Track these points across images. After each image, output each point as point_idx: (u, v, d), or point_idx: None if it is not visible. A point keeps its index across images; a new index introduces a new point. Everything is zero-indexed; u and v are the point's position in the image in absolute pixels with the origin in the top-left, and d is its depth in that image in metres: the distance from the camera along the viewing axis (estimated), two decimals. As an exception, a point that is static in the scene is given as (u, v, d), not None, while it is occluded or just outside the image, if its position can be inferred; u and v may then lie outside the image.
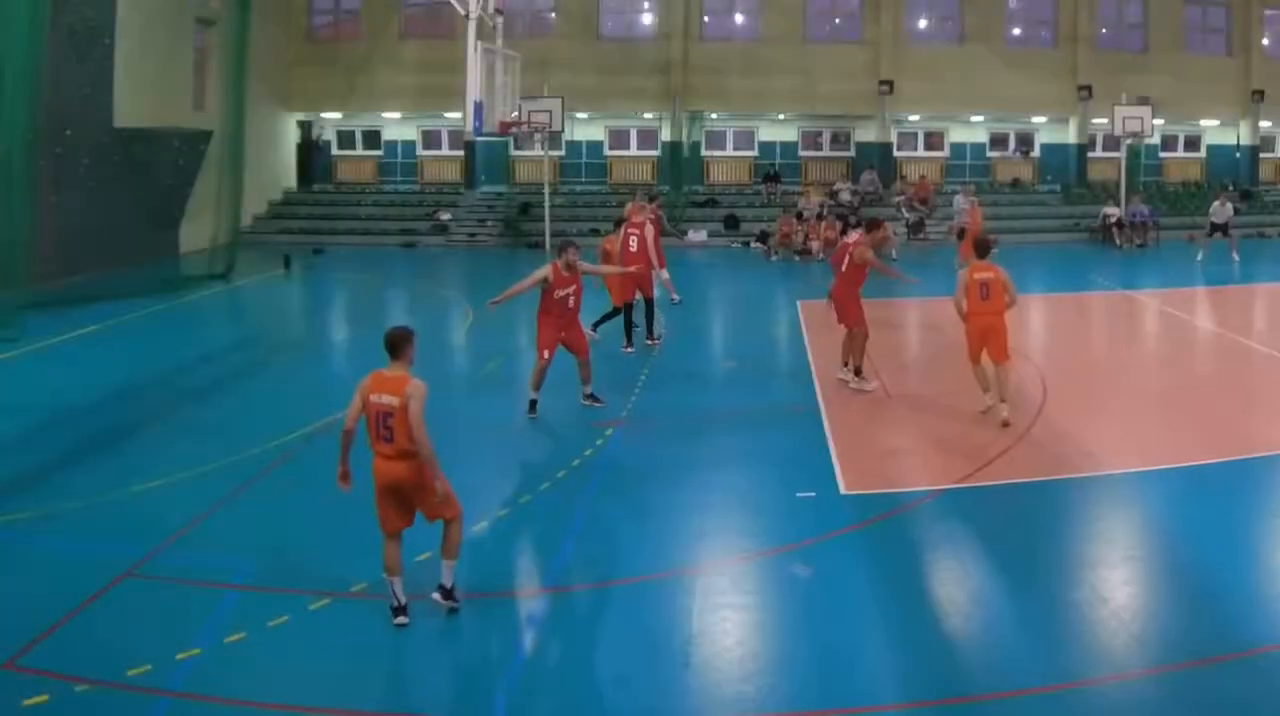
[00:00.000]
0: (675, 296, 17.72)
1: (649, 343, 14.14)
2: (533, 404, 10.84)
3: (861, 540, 7.65)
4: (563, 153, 30.94)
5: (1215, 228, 23.87)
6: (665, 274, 17.16)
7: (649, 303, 14.16)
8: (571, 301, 10.74)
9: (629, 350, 13.70)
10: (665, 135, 30.48)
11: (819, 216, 26.02)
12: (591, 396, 11.18)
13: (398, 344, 6.52)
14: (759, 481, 8.92)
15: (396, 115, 30.99)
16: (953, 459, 9.38)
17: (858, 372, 11.74)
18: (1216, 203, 24.37)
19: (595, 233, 28.15)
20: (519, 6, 29.17)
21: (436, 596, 6.46)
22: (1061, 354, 14.42)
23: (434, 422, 9.68)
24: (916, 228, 28.02)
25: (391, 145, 31.92)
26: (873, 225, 12.60)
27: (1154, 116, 27.65)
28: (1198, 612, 6.42)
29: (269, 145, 28.87)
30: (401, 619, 6.30)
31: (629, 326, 13.87)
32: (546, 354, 10.68)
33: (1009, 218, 29.14)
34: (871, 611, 6.63)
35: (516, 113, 19.99)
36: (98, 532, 7.79)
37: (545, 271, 10.58)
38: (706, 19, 30.54)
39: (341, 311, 20.06)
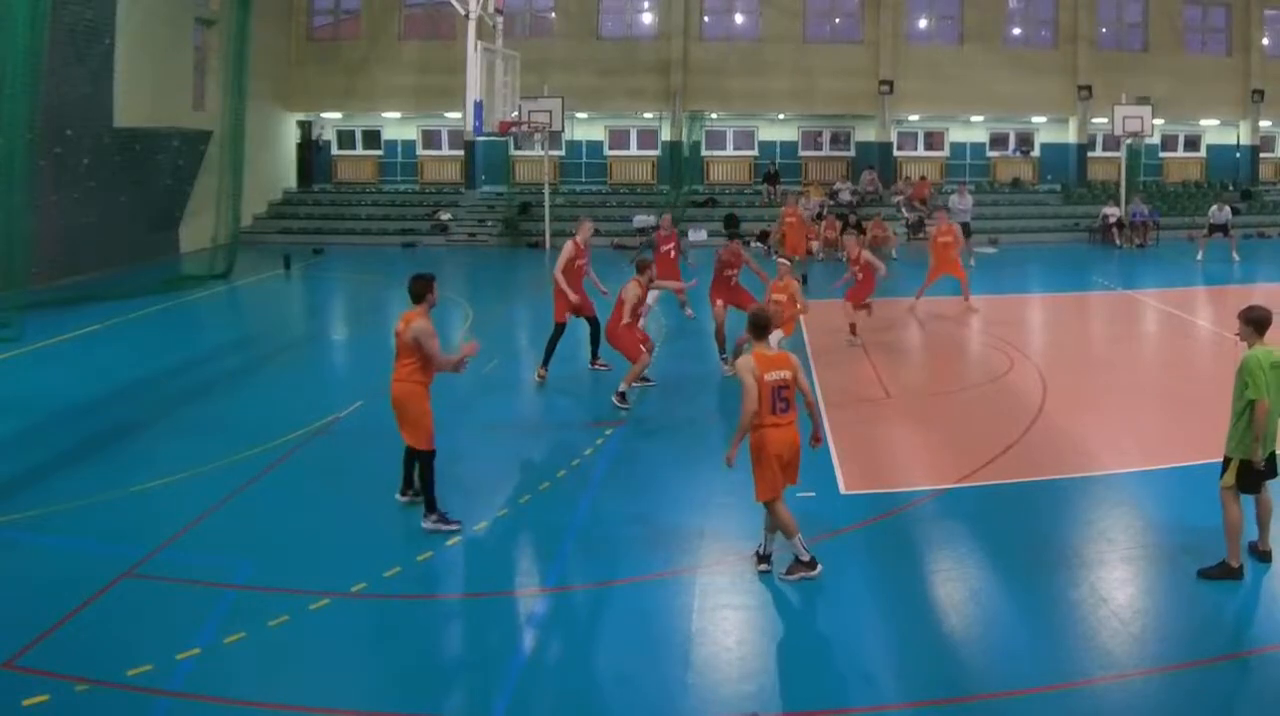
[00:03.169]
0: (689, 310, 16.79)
1: (594, 367, 12.96)
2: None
3: (861, 540, 7.65)
4: (563, 152, 30.95)
5: (1214, 228, 23.94)
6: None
7: (593, 322, 12.81)
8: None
9: (542, 374, 12.39)
10: (665, 135, 30.49)
11: (819, 216, 26.02)
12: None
13: (767, 324, 7.34)
14: (759, 481, 8.90)
15: (396, 115, 31.00)
16: (953, 459, 9.38)
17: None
18: (1214, 206, 24.54)
19: (595, 232, 28.12)
20: (519, 6, 29.20)
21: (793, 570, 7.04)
22: (1061, 353, 14.41)
23: (436, 423, 9.64)
24: (916, 227, 28.03)
25: (391, 145, 31.93)
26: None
27: (1154, 116, 27.67)
28: (1198, 612, 6.42)
29: (269, 145, 28.89)
30: (819, 569, 6.91)
31: (552, 347, 12.50)
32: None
33: (1009, 217, 29.19)
34: (871, 611, 6.63)
35: (516, 113, 19.95)
36: (98, 532, 7.79)
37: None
38: (706, 19, 30.54)
39: (341, 311, 20.06)
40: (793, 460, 7.07)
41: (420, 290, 8.02)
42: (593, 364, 12.96)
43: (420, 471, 7.86)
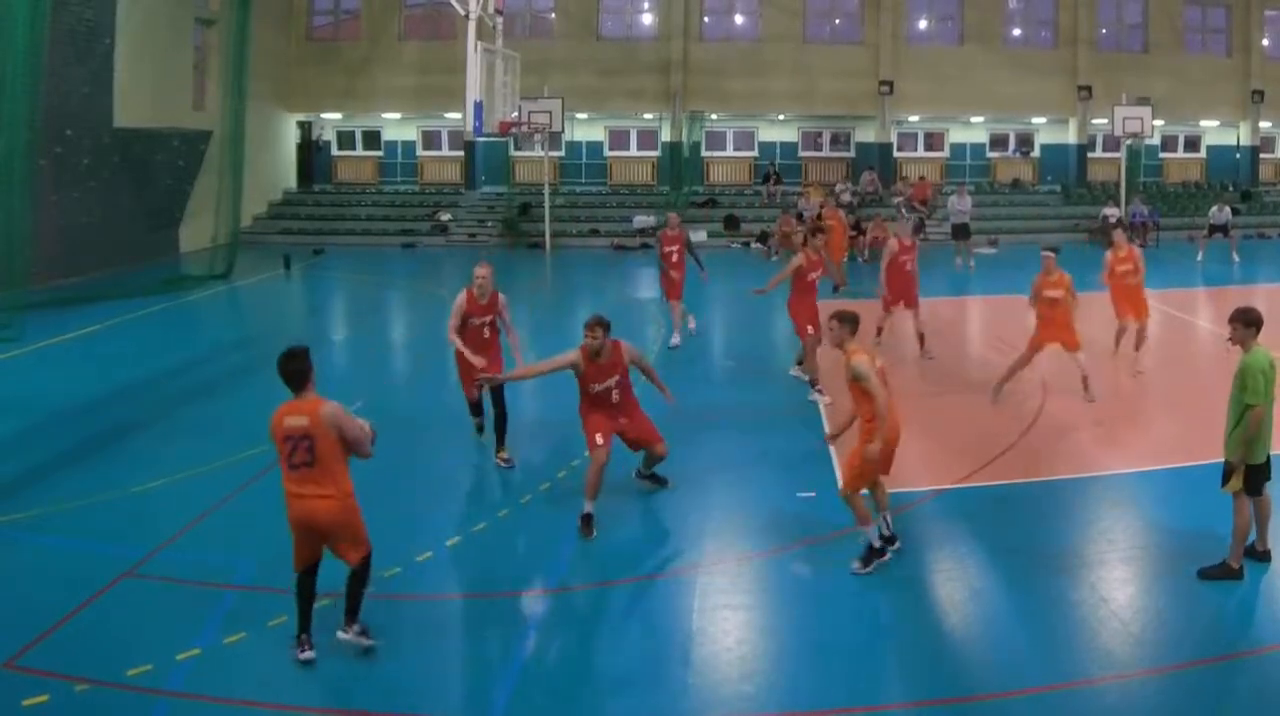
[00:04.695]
0: (692, 323, 14.90)
1: (498, 460, 9.40)
2: None
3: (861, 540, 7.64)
4: (562, 153, 30.96)
5: (1214, 228, 23.97)
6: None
7: (499, 399, 9.31)
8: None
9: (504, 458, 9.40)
10: (665, 135, 30.50)
11: (817, 216, 25.99)
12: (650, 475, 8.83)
13: (859, 320, 7.30)
14: (759, 481, 8.92)
15: (396, 115, 31.01)
16: (953, 459, 9.38)
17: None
18: (1214, 207, 24.60)
19: (595, 232, 28.22)
20: (519, 6, 29.20)
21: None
22: (1061, 354, 14.39)
23: (435, 423, 9.68)
24: (916, 228, 28.00)
25: (391, 145, 31.95)
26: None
27: (1154, 117, 27.67)
28: (1198, 612, 6.42)
29: (269, 145, 28.89)
30: (889, 553, 7.09)
31: (479, 412, 9.72)
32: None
33: (1009, 217, 29.19)
34: (871, 611, 6.64)
35: (516, 113, 19.97)
36: (98, 532, 7.79)
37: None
38: (706, 19, 30.55)
39: (341, 312, 20.07)
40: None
41: (302, 371, 5.95)
42: (497, 455, 9.42)
43: (357, 580, 6.02)
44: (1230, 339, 6.89)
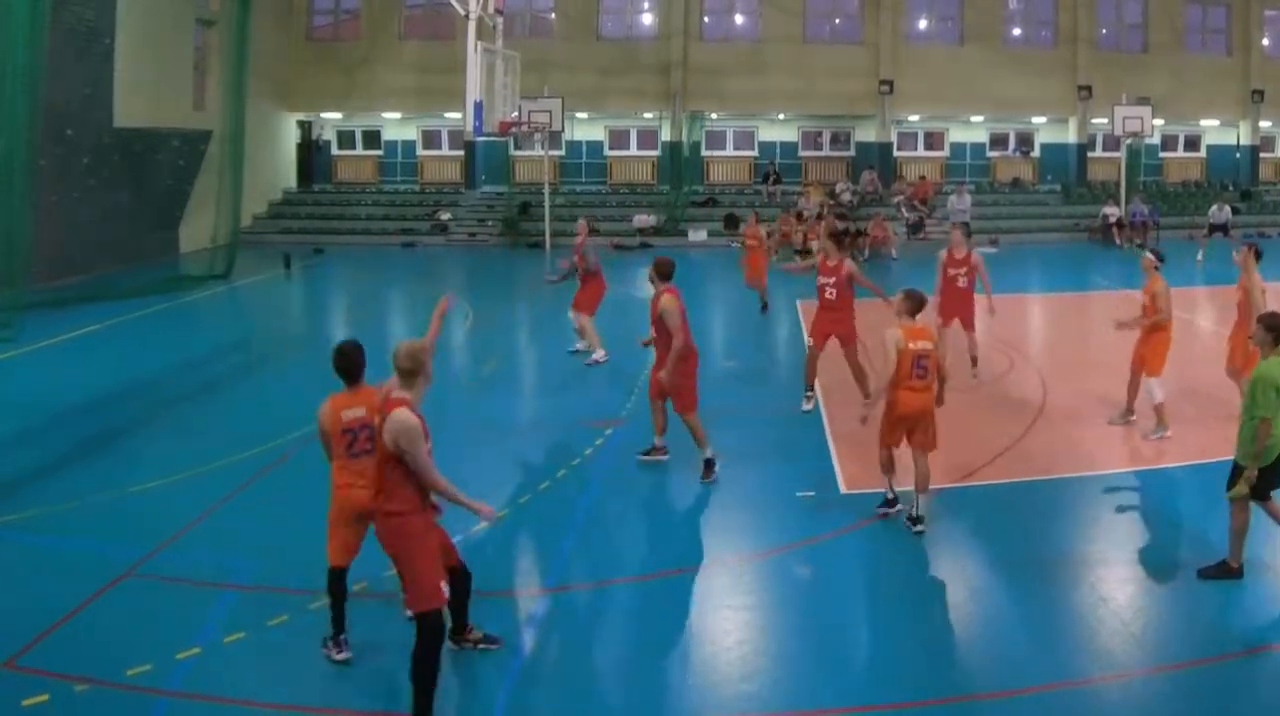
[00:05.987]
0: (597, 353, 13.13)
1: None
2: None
3: (861, 540, 7.65)
4: (563, 152, 30.96)
5: (1215, 228, 23.98)
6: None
7: (459, 575, 6.01)
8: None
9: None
10: (665, 135, 30.49)
11: (819, 216, 26.04)
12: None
13: (923, 303, 7.76)
14: (759, 481, 8.91)
15: (396, 115, 31.01)
16: (953, 459, 9.35)
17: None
18: (1214, 206, 24.62)
19: (594, 231, 28.14)
20: (519, 7, 29.19)
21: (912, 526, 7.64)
22: (1061, 353, 14.41)
23: (434, 422, 9.59)
24: (916, 228, 28.04)
25: (391, 145, 31.95)
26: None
27: (1154, 116, 27.68)
28: (1198, 612, 6.42)
29: (269, 145, 28.89)
30: (921, 527, 7.58)
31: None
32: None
33: (1009, 217, 29.20)
34: (871, 611, 6.64)
35: (516, 113, 19.99)
36: (98, 532, 7.78)
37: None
38: (706, 19, 30.55)
39: (342, 311, 20.06)
40: (919, 423, 7.58)
41: (357, 365, 5.89)
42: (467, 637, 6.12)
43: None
44: (1251, 339, 6.90)
